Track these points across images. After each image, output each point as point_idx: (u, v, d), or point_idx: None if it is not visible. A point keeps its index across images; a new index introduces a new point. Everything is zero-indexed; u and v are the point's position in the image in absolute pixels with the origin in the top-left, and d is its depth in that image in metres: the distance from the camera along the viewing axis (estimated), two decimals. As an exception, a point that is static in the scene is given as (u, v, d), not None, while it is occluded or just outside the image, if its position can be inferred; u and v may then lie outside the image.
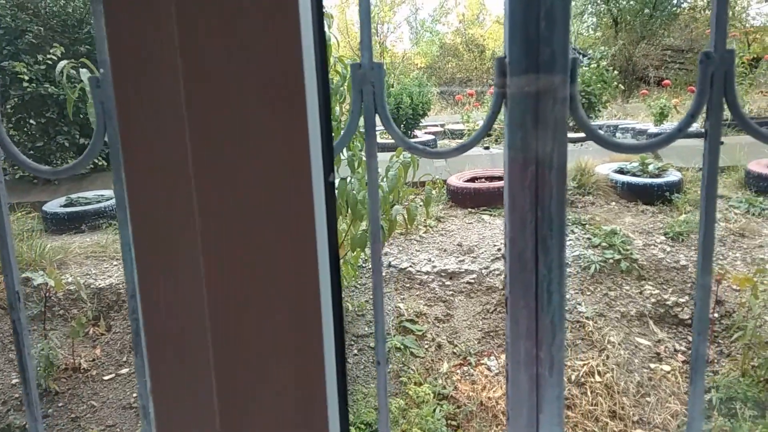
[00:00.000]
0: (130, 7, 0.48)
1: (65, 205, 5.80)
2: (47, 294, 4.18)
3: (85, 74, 2.49)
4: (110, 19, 0.49)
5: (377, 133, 0.84)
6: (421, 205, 3.44)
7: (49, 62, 6.66)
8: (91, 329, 4.16)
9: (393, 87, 8.65)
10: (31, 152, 7.30)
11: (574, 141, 7.30)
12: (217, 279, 0.50)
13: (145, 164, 0.51)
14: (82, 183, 6.80)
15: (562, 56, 0.74)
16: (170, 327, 0.53)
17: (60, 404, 3.70)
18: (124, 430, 3.51)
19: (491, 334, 3.90)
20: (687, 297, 4.00)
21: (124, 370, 3.86)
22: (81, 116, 6.86)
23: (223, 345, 0.52)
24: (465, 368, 3.66)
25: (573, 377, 3.43)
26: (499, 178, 5.95)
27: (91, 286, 4.37)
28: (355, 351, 3.96)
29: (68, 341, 4.02)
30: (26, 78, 6.55)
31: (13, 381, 3.89)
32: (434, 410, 3.21)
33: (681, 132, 0.73)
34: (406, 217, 3.27)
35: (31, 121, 7.19)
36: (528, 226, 0.77)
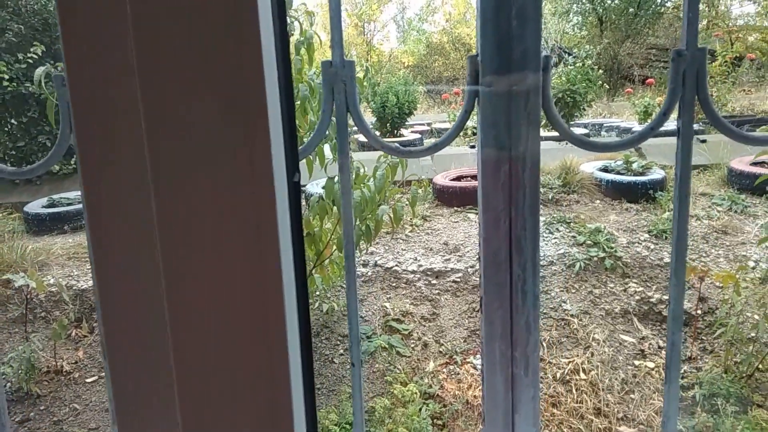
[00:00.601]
0: (83, 5, 0.47)
1: (47, 206, 5.72)
2: (28, 296, 4.12)
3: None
4: (65, 17, 0.48)
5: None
6: (407, 204, 3.43)
7: (30, 61, 6.57)
8: (74, 331, 4.11)
9: (379, 86, 8.64)
10: (12, 152, 7.20)
11: (559, 139, 7.33)
12: (177, 282, 0.49)
13: (102, 167, 0.49)
14: (64, 183, 6.71)
15: (535, 54, 0.73)
16: (130, 331, 0.52)
17: (42, 407, 3.65)
18: (108, 434, 3.47)
19: (477, 332, 3.90)
20: (670, 294, 4.03)
21: (108, 373, 3.82)
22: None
23: (184, 348, 0.51)
24: (451, 367, 3.66)
25: (558, 375, 3.44)
26: (485, 177, 5.95)
27: (74, 288, 4.32)
28: (341, 351, 3.95)
29: (50, 343, 3.97)
30: (6, 77, 6.46)
31: (-6, 385, 3.83)
32: (420, 409, 3.21)
33: (653, 130, 0.73)
34: (392, 216, 3.26)
35: (12, 121, 7.09)
36: (502, 226, 0.77)
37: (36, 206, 5.69)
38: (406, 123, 8.99)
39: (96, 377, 3.79)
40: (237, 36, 0.46)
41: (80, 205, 5.56)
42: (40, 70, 2.56)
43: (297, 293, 0.53)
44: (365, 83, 3.91)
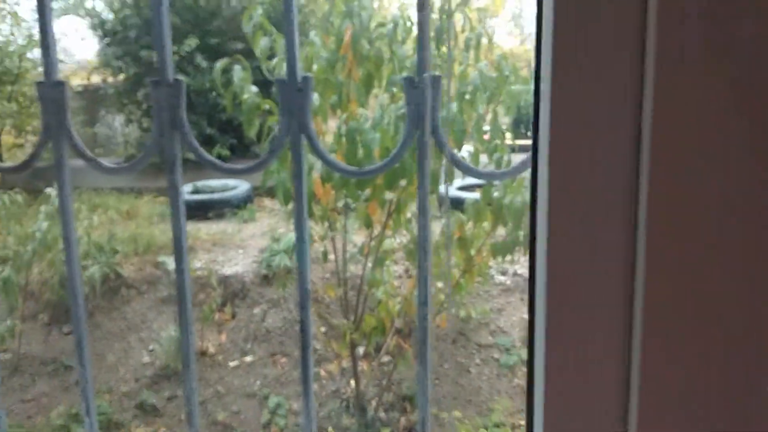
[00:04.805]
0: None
1: (192, 192, 6.05)
2: (180, 278, 4.34)
3: (237, 71, 2.53)
4: (559, 12, 0.39)
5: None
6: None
7: (183, 53, 7.01)
8: (217, 315, 4.29)
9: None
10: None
11: None
12: (659, 279, 0.42)
13: (573, 163, 0.42)
14: (204, 171, 7.09)
15: None
16: (578, 323, 0.45)
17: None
18: (248, 418, 3.57)
19: (629, 356, 3.61)
20: None
21: (249, 358, 3.93)
22: (207, 107, 7.17)
23: (655, 349, 0.44)
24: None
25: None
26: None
27: (218, 273, 4.51)
28: (478, 360, 3.81)
29: (195, 325, 4.16)
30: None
31: (144, 360, 4.08)
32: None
33: None
34: (549, 225, 3.06)
35: (161, 110, 7.61)
36: None
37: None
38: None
39: (238, 362, 3.92)
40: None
41: (223, 194, 5.83)
42: (220, 64, 2.62)
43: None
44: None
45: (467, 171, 0.85)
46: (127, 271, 4.51)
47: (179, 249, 0.77)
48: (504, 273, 4.27)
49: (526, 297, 4.06)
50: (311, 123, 0.68)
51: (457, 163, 0.70)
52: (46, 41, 0.85)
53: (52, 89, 0.86)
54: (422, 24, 0.63)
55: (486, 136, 2.79)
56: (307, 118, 0.68)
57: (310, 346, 0.74)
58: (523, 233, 3.06)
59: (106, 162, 0.96)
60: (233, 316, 4.24)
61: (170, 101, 0.75)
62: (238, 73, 2.47)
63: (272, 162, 0.75)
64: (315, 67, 2.70)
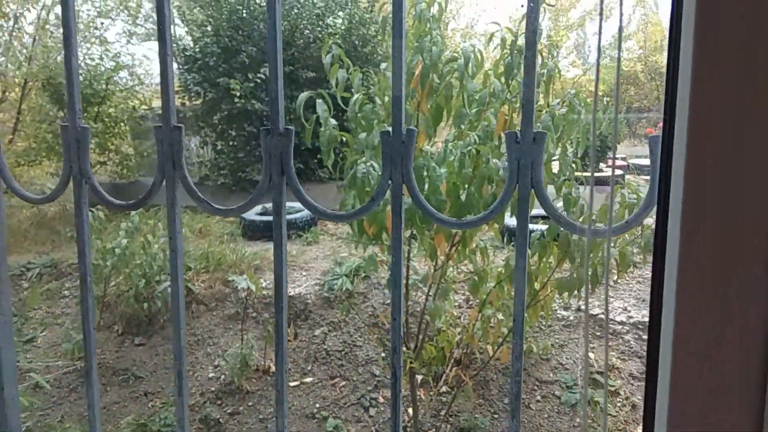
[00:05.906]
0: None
1: (260, 214, 6.24)
2: (247, 297, 4.49)
3: (320, 105, 2.62)
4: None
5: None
6: (638, 250, 3.12)
7: (257, 81, 7.29)
8: (279, 335, 4.39)
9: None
10: (231, 162, 8.04)
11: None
12: None
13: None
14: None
15: None
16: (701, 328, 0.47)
17: (250, 403, 3.93)
18: (306, 440, 3.62)
19: (700, 403, 3.43)
20: None
21: (309, 379, 3.99)
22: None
23: None
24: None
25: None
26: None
27: (282, 294, 4.62)
28: (539, 397, 3.72)
29: (258, 343, 4.27)
30: (237, 94, 7.24)
31: (210, 375, 4.21)
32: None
33: None
34: (618, 260, 2.99)
35: (233, 133, 7.91)
36: None
37: (251, 213, 6.23)
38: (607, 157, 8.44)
39: (298, 382, 3.99)
40: None
41: (290, 216, 5.99)
42: (302, 96, 2.72)
43: None
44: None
45: (572, 229, 0.86)
46: (198, 288, 4.69)
47: (279, 290, 0.82)
48: (566, 308, 4.17)
49: (589, 335, 3.95)
50: (412, 173, 0.72)
51: (558, 218, 0.71)
52: (167, 90, 0.91)
53: (169, 133, 0.92)
54: (528, 85, 0.64)
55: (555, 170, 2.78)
56: (409, 169, 0.72)
57: (400, 392, 0.76)
58: (591, 270, 3.00)
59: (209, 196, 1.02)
60: (295, 337, 4.33)
61: (280, 149, 0.80)
62: (321, 106, 2.57)
63: (375, 207, 0.79)
64: (386, 99, 2.79)
